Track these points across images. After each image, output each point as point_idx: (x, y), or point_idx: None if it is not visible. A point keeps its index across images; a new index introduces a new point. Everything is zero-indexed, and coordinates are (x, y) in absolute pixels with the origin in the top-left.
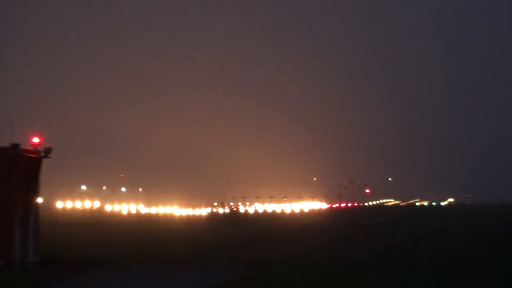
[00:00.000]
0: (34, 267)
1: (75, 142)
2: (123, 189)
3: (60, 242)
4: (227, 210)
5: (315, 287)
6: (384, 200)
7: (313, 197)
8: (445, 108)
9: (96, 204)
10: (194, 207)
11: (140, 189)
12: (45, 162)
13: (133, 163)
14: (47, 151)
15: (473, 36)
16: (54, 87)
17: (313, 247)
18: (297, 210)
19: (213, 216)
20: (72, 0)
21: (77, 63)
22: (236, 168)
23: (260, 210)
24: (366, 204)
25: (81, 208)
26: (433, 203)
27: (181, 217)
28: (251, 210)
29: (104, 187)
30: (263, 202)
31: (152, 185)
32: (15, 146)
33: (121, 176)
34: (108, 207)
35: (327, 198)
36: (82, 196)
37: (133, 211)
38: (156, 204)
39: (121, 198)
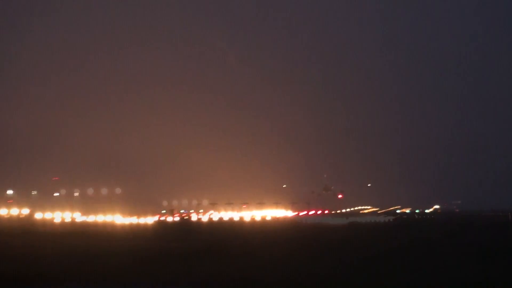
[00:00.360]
0: None
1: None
2: (57, 194)
3: None
4: (177, 218)
5: None
6: (360, 207)
7: (277, 203)
8: (433, 108)
9: (25, 211)
10: (139, 215)
11: (76, 194)
12: None
13: (70, 164)
14: None
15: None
16: None
17: (270, 261)
18: (257, 218)
19: (160, 225)
20: None
21: None
22: (192, 172)
23: (216, 218)
24: (338, 211)
25: (7, 216)
26: (416, 210)
27: (123, 226)
28: (205, 218)
29: (34, 192)
30: (219, 210)
31: (91, 190)
32: None
33: (55, 179)
34: (38, 215)
35: (294, 205)
36: (8, 202)
37: (68, 220)
38: (95, 211)
39: (54, 204)
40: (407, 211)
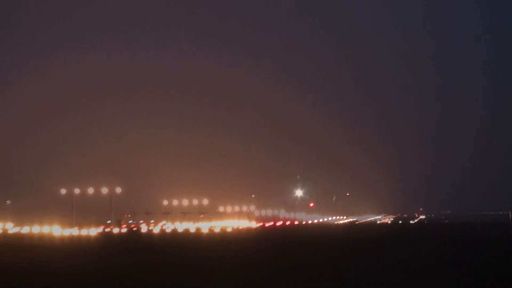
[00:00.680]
0: None
1: None
2: None
3: None
4: (124, 229)
5: None
6: (335, 217)
7: (240, 213)
8: (420, 109)
9: None
10: (81, 226)
11: (8, 202)
12: None
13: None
14: None
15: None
16: None
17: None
18: (217, 230)
19: (104, 238)
20: None
21: None
22: (144, 176)
23: (169, 230)
24: (309, 222)
25: None
26: (400, 221)
27: (62, 239)
28: (156, 229)
29: None
30: (173, 220)
31: (25, 197)
32: None
33: None
34: None
35: (259, 216)
36: None
37: None
38: (30, 222)
39: None
40: (389, 221)
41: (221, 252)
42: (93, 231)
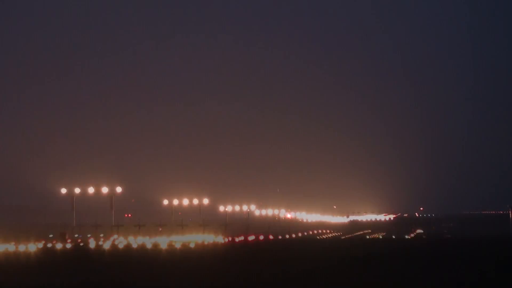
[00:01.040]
0: None
1: None
2: None
3: None
4: (69, 245)
5: None
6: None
7: (204, 226)
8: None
9: None
10: (18, 240)
11: None
12: None
13: None
14: None
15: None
16: None
17: None
18: (177, 246)
19: (45, 255)
20: None
21: None
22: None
23: (121, 245)
24: (287, 236)
25: None
26: (393, 236)
27: None
28: (106, 245)
29: None
30: (127, 233)
31: None
32: None
33: None
34: None
35: (229, 229)
36: None
37: None
38: None
39: None
40: (380, 236)
41: (181, 273)
42: (32, 247)
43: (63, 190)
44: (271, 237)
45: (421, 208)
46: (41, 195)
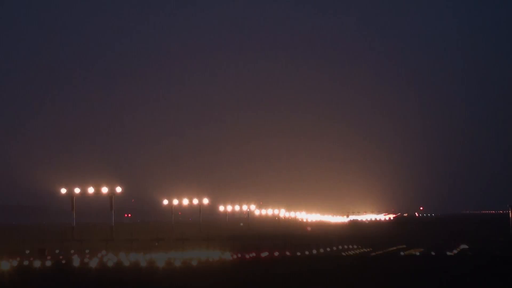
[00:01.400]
0: None
1: None
2: None
3: None
4: (49, 262)
5: None
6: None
7: (209, 240)
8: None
9: None
10: None
11: None
12: None
13: None
14: None
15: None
16: None
17: None
18: (177, 263)
19: (20, 275)
20: None
21: None
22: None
23: (111, 263)
24: (306, 252)
25: None
26: (432, 253)
27: None
28: (93, 263)
29: None
30: (117, 249)
31: None
32: None
33: None
34: None
35: (238, 243)
36: None
37: None
38: None
39: None
40: (417, 253)
41: None
42: (5, 265)
43: (63, 190)
44: (287, 253)
45: (421, 208)
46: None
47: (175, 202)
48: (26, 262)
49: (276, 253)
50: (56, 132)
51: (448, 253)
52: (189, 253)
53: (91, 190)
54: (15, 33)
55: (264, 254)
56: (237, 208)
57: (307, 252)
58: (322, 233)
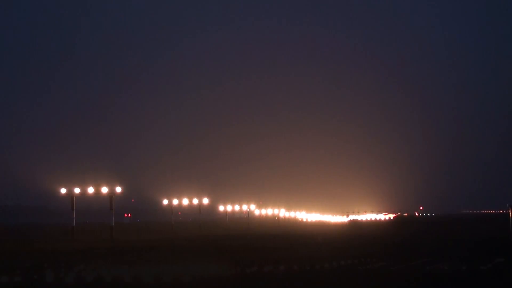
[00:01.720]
0: None
1: None
2: None
3: None
4: (17, 279)
5: None
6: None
7: (207, 252)
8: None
9: None
10: None
11: None
12: None
13: None
14: None
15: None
16: None
17: None
18: (168, 280)
19: None
20: None
21: None
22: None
23: (89, 279)
24: (316, 267)
25: None
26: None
27: None
28: (69, 278)
29: None
30: (98, 262)
31: None
32: None
33: None
34: None
35: (239, 255)
36: None
37: None
38: None
39: None
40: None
41: None
42: None
43: (63, 190)
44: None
45: (421, 208)
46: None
47: (175, 202)
48: None
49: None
50: (56, 132)
51: (482, 267)
52: (183, 267)
53: (91, 190)
54: (12, 31)
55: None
56: (237, 208)
57: (317, 267)
58: (325, 237)
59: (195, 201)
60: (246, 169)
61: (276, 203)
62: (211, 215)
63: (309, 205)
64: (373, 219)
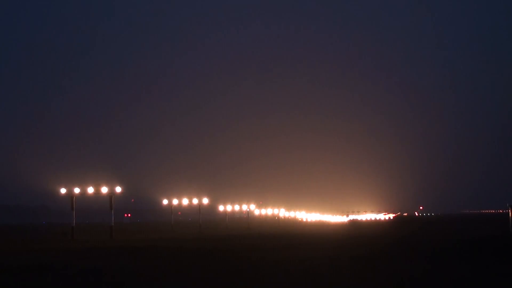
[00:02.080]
0: None
1: None
2: None
3: None
4: None
5: None
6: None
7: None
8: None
9: None
10: None
11: None
12: None
13: None
14: None
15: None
16: None
17: None
18: None
19: None
20: None
21: None
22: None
23: None
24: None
25: None
26: None
27: None
28: None
29: None
30: None
31: None
32: None
33: None
34: None
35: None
36: None
37: None
38: None
39: None
40: None
41: None
42: None
43: (63, 190)
44: None
45: (421, 207)
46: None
47: (175, 202)
48: None
49: None
50: (56, 132)
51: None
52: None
53: (90, 190)
54: (14, 35)
55: None
56: (237, 208)
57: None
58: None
59: (195, 201)
60: (246, 169)
61: (276, 203)
62: (211, 215)
63: (309, 205)
64: (373, 219)
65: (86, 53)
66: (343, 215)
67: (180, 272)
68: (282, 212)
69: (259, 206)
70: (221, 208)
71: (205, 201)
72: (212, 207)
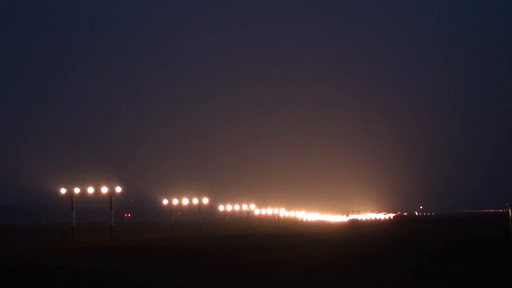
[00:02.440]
0: None
1: None
2: None
3: None
4: None
5: None
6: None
7: None
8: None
9: None
10: None
11: None
12: None
13: None
14: None
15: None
16: None
17: None
18: None
19: None
20: None
21: None
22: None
23: None
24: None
25: None
26: None
27: None
28: None
29: None
30: None
31: None
32: None
33: None
34: None
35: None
36: None
37: None
38: None
39: None
40: None
41: None
42: None
43: (63, 190)
44: None
45: (421, 207)
46: (41, 195)
47: (175, 202)
48: None
49: None
50: (55, 132)
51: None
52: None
53: (90, 190)
54: (14, 35)
55: None
56: (237, 207)
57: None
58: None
59: (195, 201)
60: (246, 169)
61: (276, 203)
62: (211, 215)
63: (309, 205)
64: (373, 218)
65: (86, 53)
66: (343, 214)
67: (180, 272)
68: (282, 212)
69: (259, 206)
70: (221, 208)
71: (205, 201)
72: (212, 207)
